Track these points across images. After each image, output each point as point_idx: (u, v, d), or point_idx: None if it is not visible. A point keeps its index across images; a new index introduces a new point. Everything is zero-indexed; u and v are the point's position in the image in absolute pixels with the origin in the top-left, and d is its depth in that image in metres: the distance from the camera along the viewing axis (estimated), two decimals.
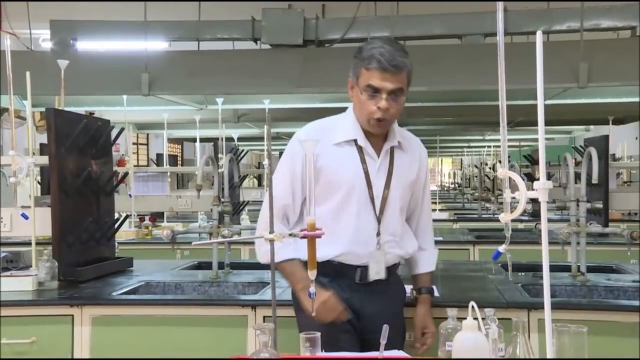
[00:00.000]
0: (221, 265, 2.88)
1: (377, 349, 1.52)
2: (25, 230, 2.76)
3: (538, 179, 1.20)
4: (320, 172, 1.94)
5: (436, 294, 2.25)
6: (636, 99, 4.13)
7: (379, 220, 1.97)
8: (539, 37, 1.18)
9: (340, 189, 1.95)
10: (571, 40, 3.38)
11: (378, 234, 1.97)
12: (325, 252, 1.90)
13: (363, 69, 1.90)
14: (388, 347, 1.54)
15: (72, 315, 2.38)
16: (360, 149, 1.98)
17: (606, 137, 4.54)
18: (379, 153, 2.00)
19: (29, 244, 2.73)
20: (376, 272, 1.98)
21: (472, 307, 1.44)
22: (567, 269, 2.78)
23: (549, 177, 5.86)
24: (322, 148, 1.90)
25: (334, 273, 1.97)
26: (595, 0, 3.42)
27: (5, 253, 2.81)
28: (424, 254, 2.16)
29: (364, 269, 1.98)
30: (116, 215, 3.23)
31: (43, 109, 3.30)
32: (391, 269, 2.05)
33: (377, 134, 1.98)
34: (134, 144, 10.88)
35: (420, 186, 2.11)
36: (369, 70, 1.89)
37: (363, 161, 1.97)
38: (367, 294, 2.00)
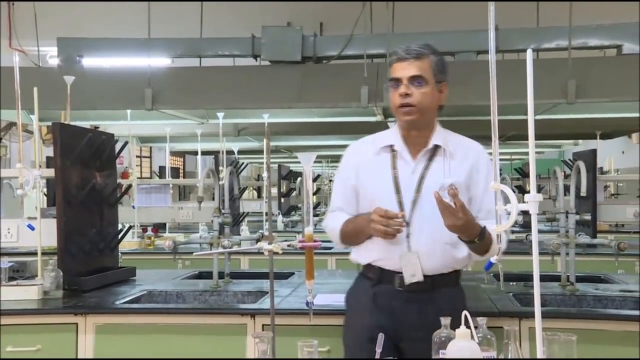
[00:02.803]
0: (221, 275, 2.91)
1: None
2: (31, 240, 2.80)
3: (529, 192, 1.21)
4: (360, 182, 2.01)
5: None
6: (622, 115, 4.19)
7: (407, 224, 1.92)
8: (529, 55, 1.21)
9: (373, 195, 1.97)
10: (560, 58, 3.44)
11: (408, 236, 1.92)
12: (367, 255, 2.00)
13: (389, 69, 1.97)
14: None
15: (76, 324, 2.41)
16: (395, 155, 1.98)
17: (594, 151, 4.60)
18: (416, 157, 1.98)
19: (34, 254, 2.77)
20: (411, 275, 1.92)
21: (465, 316, 1.45)
22: (557, 278, 2.81)
23: (539, 189, 5.90)
24: (363, 159, 2.01)
25: (376, 277, 2.00)
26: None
27: (12, 263, 2.84)
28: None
29: (403, 275, 1.94)
30: (119, 226, 3.28)
31: (49, 123, 3.34)
32: (438, 279, 1.96)
33: (411, 126, 1.95)
34: (137, 156, 10.91)
35: (478, 192, 1.96)
36: (391, 65, 1.96)
37: (394, 166, 1.97)
38: (406, 301, 1.95)
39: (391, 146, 2.00)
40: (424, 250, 1.94)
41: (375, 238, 1.94)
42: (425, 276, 1.95)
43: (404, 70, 1.91)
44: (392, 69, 1.95)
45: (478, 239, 1.86)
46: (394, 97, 1.94)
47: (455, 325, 1.94)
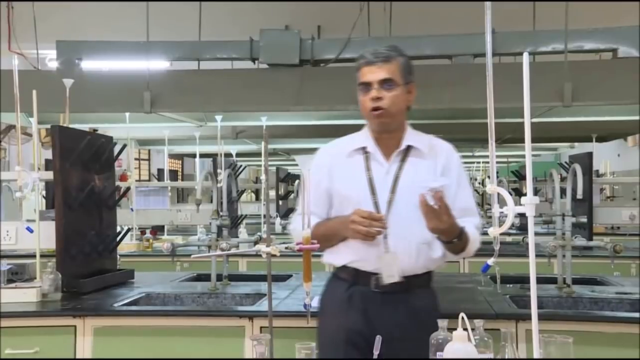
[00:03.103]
0: (219, 277, 2.92)
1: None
2: (30, 243, 2.81)
3: (525, 194, 1.22)
4: (334, 184, 2.01)
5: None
6: (618, 118, 4.21)
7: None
8: (525, 58, 1.21)
9: (347, 197, 1.98)
10: (556, 61, 3.46)
11: (385, 237, 1.93)
12: (341, 257, 1.99)
13: (357, 73, 1.98)
14: None
15: (75, 326, 2.42)
16: (368, 157, 2.00)
17: (590, 154, 4.61)
18: (389, 159, 2.00)
19: (33, 256, 2.77)
20: (389, 276, 1.94)
21: (462, 318, 1.46)
22: (553, 281, 2.82)
23: (536, 192, 5.95)
24: (336, 162, 2.00)
25: (352, 279, 2.00)
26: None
27: (11, 265, 2.85)
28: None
29: (380, 276, 1.96)
30: (118, 229, 3.28)
31: (49, 126, 3.36)
32: (413, 280, 1.98)
33: (383, 128, 1.97)
34: (135, 159, 10.92)
35: (451, 191, 1.95)
36: (360, 69, 1.97)
37: (368, 168, 1.99)
38: (383, 303, 1.96)
39: (364, 148, 2.02)
40: (401, 251, 1.95)
41: (351, 240, 1.94)
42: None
43: (374, 74, 1.93)
44: (361, 73, 1.96)
45: (457, 239, 1.89)
46: (365, 101, 1.96)
47: (431, 325, 1.97)
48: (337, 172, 2.02)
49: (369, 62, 1.94)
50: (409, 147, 2.01)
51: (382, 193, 1.96)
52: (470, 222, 1.97)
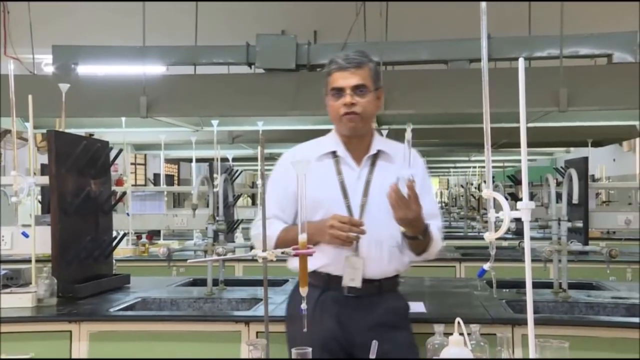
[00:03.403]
0: (215, 282, 2.90)
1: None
2: (26, 248, 2.78)
3: (521, 199, 1.22)
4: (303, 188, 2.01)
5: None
6: (613, 123, 4.24)
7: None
8: (521, 63, 1.22)
9: (319, 201, 1.96)
10: (551, 66, 3.48)
11: (357, 240, 1.93)
12: (311, 262, 1.92)
13: (328, 78, 1.98)
14: None
15: (70, 331, 2.40)
16: (338, 161, 2.01)
17: (586, 159, 4.64)
18: (360, 163, 2.02)
19: (29, 261, 2.76)
20: (351, 279, 1.94)
21: (459, 323, 1.47)
22: (549, 285, 2.82)
23: (532, 197, 5.93)
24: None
25: (323, 284, 1.98)
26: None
27: (6, 270, 2.83)
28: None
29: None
30: (114, 234, 3.26)
31: (44, 131, 3.36)
32: (385, 283, 2.00)
33: (354, 134, 1.99)
34: (132, 164, 10.91)
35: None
36: (331, 74, 1.97)
37: (339, 172, 1.99)
38: (356, 307, 1.96)
39: (334, 152, 2.02)
40: (373, 254, 1.96)
41: (322, 244, 1.91)
42: (372, 280, 1.98)
43: (347, 79, 1.94)
44: (333, 78, 1.96)
45: (422, 235, 1.90)
46: (337, 107, 1.96)
47: (404, 327, 1.97)
48: (307, 176, 2.01)
49: (342, 67, 1.95)
50: (378, 152, 2.03)
51: (354, 197, 1.97)
52: (434, 225, 1.99)
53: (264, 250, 1.55)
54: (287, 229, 1.99)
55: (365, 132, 2.03)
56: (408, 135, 1.79)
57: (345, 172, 2.01)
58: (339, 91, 1.95)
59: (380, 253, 1.98)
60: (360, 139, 2.03)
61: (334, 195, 1.97)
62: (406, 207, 1.80)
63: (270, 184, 2.11)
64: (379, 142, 2.06)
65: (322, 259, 1.96)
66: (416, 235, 1.91)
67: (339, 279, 1.97)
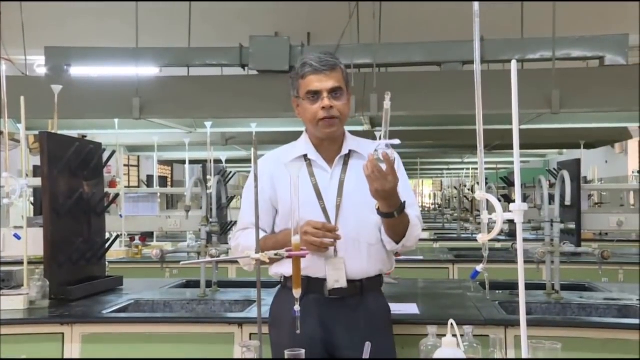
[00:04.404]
0: (209, 284, 2.90)
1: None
2: (18, 250, 2.78)
3: (514, 201, 1.22)
4: (278, 192, 1.99)
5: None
6: (605, 125, 4.27)
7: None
8: (513, 66, 1.22)
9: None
10: (544, 68, 3.51)
11: (335, 241, 1.90)
12: (290, 268, 1.92)
13: (300, 81, 1.95)
14: None
15: (63, 334, 2.40)
16: (309, 163, 2.00)
17: (578, 161, 4.65)
18: (332, 164, 2.01)
19: (21, 263, 2.75)
20: (335, 281, 1.93)
21: (452, 324, 1.46)
22: (542, 287, 2.83)
23: (525, 198, 5.98)
24: (278, 170, 1.97)
25: (304, 288, 1.89)
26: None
27: None
28: None
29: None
30: (107, 235, 3.26)
31: (37, 132, 3.33)
32: (367, 283, 1.99)
33: (331, 137, 1.98)
34: (125, 165, 10.89)
35: None
36: (305, 77, 1.93)
37: (312, 174, 1.98)
38: (339, 308, 1.95)
39: (305, 156, 2.01)
40: (352, 254, 1.95)
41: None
42: (354, 280, 1.96)
43: (323, 82, 1.91)
44: (308, 81, 1.93)
45: (397, 212, 1.85)
46: (314, 110, 1.93)
47: (387, 328, 1.95)
48: (279, 181, 1.99)
49: (317, 70, 1.92)
50: (350, 152, 2.02)
51: (329, 198, 1.96)
52: (412, 213, 1.96)
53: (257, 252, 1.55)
54: (266, 237, 1.97)
55: (340, 134, 2.03)
56: (387, 104, 1.74)
57: (318, 174, 1.99)
58: (315, 94, 1.92)
59: (359, 252, 1.97)
60: (332, 141, 2.02)
61: (309, 198, 1.95)
62: (383, 177, 1.76)
63: (245, 192, 2.10)
64: (351, 142, 2.04)
65: (302, 263, 1.91)
66: (392, 212, 1.86)
67: (319, 281, 1.95)
